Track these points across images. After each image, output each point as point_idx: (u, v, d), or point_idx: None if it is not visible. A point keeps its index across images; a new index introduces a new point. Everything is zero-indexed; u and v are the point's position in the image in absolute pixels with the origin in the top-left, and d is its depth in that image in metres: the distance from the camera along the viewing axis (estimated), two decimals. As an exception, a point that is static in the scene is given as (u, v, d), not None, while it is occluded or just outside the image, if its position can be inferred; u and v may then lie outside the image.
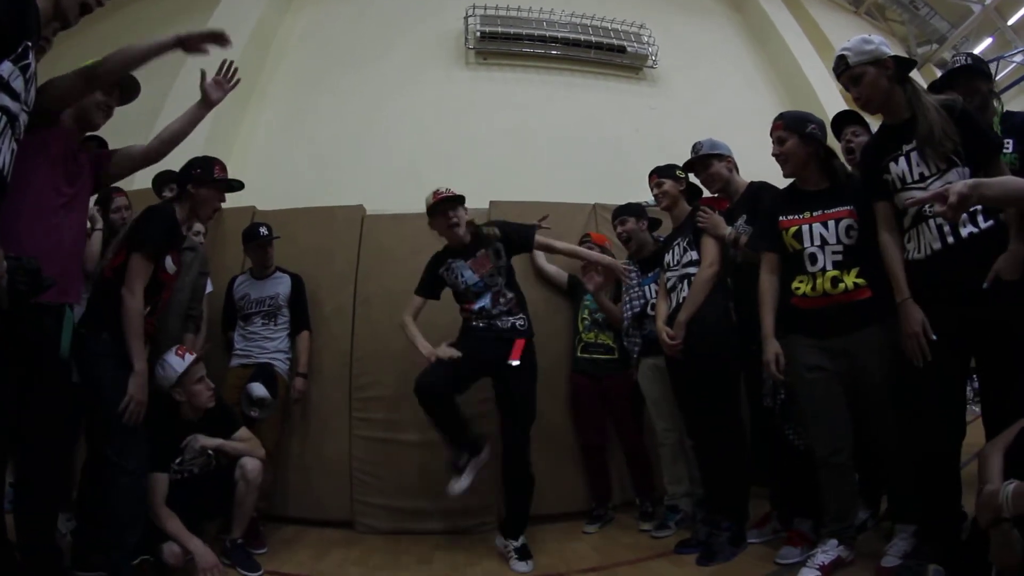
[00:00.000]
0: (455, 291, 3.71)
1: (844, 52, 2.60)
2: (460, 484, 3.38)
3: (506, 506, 3.52)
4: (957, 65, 3.16)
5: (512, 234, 3.71)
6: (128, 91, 2.81)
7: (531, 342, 3.61)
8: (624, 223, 4.09)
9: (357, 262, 4.66)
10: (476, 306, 3.60)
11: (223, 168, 3.21)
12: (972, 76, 3.10)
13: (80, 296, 2.70)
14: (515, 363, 3.43)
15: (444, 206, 3.62)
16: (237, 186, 3.30)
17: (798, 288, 2.84)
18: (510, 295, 3.63)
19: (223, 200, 3.24)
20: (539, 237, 3.78)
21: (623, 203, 4.25)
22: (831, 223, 2.79)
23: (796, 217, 2.89)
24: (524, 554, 3.34)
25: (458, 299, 3.72)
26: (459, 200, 3.66)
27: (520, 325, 3.59)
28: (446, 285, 3.73)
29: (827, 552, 2.75)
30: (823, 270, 2.77)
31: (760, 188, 3.38)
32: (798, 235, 2.85)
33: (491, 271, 3.61)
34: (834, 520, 2.82)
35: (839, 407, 2.80)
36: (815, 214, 2.84)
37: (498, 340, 3.51)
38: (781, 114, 3.09)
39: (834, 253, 2.77)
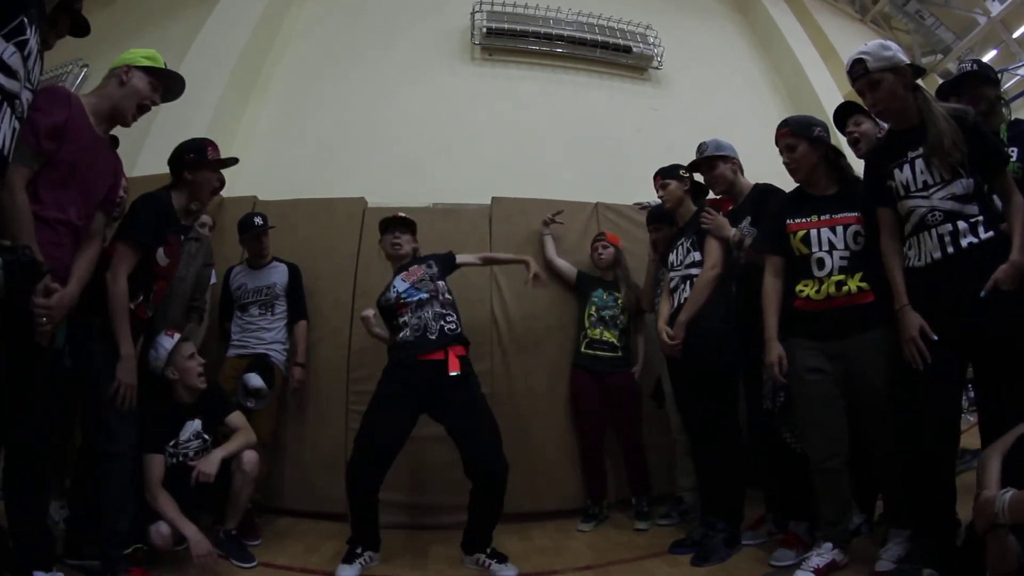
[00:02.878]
0: (386, 311, 3.54)
1: (863, 56, 2.56)
2: (347, 572, 3.12)
3: (474, 525, 3.31)
4: (964, 71, 3.15)
5: (437, 261, 3.67)
6: (171, 92, 2.82)
7: (467, 357, 3.45)
8: (658, 230, 4.15)
9: (357, 255, 4.65)
10: (414, 299, 3.43)
11: (215, 148, 3.17)
12: (979, 82, 3.08)
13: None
14: (455, 373, 3.25)
15: (389, 225, 3.71)
16: (232, 162, 3.30)
17: (802, 291, 2.85)
18: (447, 295, 3.53)
19: (221, 180, 3.23)
20: (460, 256, 3.82)
21: (625, 203, 4.25)
22: (839, 228, 2.80)
23: (804, 220, 2.89)
24: (501, 557, 3.23)
25: (388, 317, 3.55)
26: (405, 224, 3.70)
27: (451, 329, 3.39)
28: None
29: (822, 555, 2.74)
30: (830, 275, 2.77)
31: (765, 190, 3.38)
32: (806, 239, 2.85)
33: (422, 277, 3.53)
34: (829, 524, 2.83)
35: (836, 411, 2.80)
36: (823, 218, 2.85)
37: (428, 366, 3.28)
38: (785, 120, 3.08)
39: (841, 259, 2.77)
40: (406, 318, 3.40)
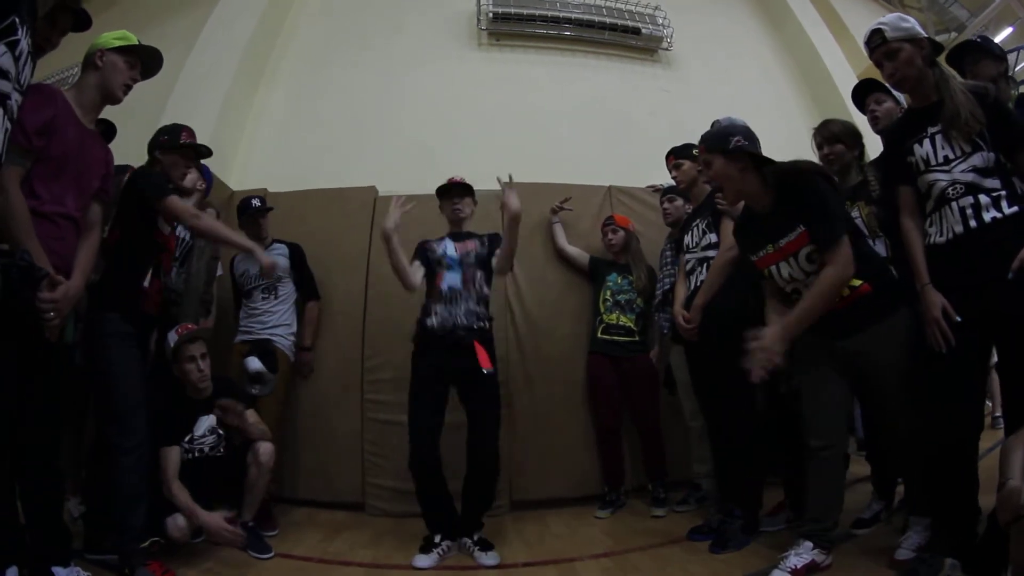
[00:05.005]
0: (429, 264, 3.56)
1: (881, 26, 2.52)
2: (423, 561, 3.14)
3: (465, 508, 3.36)
4: (968, 40, 3.10)
5: (491, 241, 3.65)
6: (150, 67, 2.80)
7: (492, 347, 3.47)
8: (672, 200, 4.10)
9: (369, 243, 4.65)
10: (444, 284, 3.45)
11: (191, 134, 3.26)
12: (980, 55, 3.02)
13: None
14: (487, 370, 3.27)
15: (448, 191, 3.66)
16: (204, 151, 3.34)
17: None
18: (484, 288, 3.52)
19: (190, 165, 3.33)
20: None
21: (638, 186, 4.21)
22: (791, 259, 2.64)
23: (763, 254, 2.75)
24: (486, 545, 3.26)
25: (429, 274, 3.55)
26: (464, 188, 3.68)
27: (480, 327, 3.41)
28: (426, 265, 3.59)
29: (800, 555, 2.63)
30: None
31: (782, 169, 3.33)
32: (771, 277, 2.75)
33: (470, 252, 3.55)
34: (813, 519, 2.72)
35: (841, 402, 2.75)
36: (777, 246, 2.68)
37: (458, 347, 3.32)
38: (702, 137, 2.99)
39: (808, 283, 2.61)
40: (437, 306, 3.42)
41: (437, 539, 3.24)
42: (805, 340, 2.77)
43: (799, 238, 2.59)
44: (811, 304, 2.50)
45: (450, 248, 3.56)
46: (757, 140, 2.80)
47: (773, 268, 2.71)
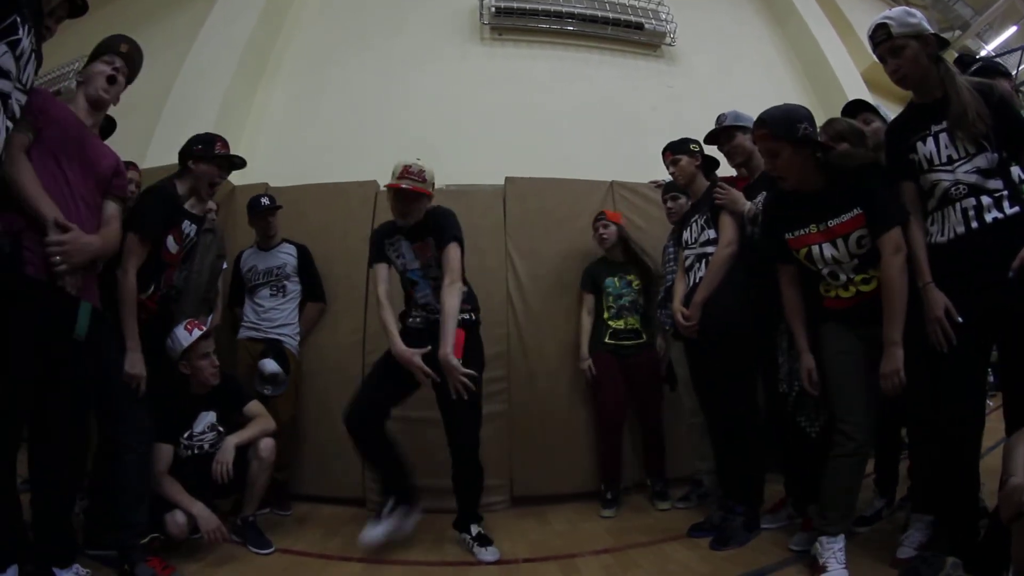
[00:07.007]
0: (398, 271, 3.44)
1: (887, 21, 2.46)
2: (372, 533, 3.19)
3: (458, 501, 3.36)
4: (976, 67, 3.10)
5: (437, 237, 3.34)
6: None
7: (475, 331, 3.36)
8: (676, 199, 4.07)
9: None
10: (418, 295, 3.39)
11: (225, 145, 3.27)
12: (991, 73, 3.00)
13: (96, 295, 2.59)
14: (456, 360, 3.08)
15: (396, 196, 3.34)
16: (239, 162, 3.36)
17: (829, 291, 2.75)
18: None
19: (223, 177, 3.33)
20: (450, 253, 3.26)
21: (641, 181, 4.18)
22: (839, 241, 2.64)
23: (803, 232, 2.73)
24: (484, 540, 3.25)
25: (402, 283, 3.48)
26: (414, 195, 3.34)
27: (463, 317, 3.23)
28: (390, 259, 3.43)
29: (842, 549, 2.59)
30: (849, 280, 2.67)
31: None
32: (810, 256, 2.73)
33: (430, 260, 3.35)
34: (843, 517, 2.68)
35: (870, 392, 2.68)
36: (822, 228, 2.67)
37: (434, 338, 3.14)
38: (761, 118, 2.76)
39: (852, 267, 2.65)
40: (418, 314, 3.40)
41: (387, 508, 3.29)
42: (828, 329, 2.77)
43: (852, 220, 2.60)
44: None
45: (411, 259, 3.38)
46: (815, 122, 2.76)
47: (815, 248, 2.70)
